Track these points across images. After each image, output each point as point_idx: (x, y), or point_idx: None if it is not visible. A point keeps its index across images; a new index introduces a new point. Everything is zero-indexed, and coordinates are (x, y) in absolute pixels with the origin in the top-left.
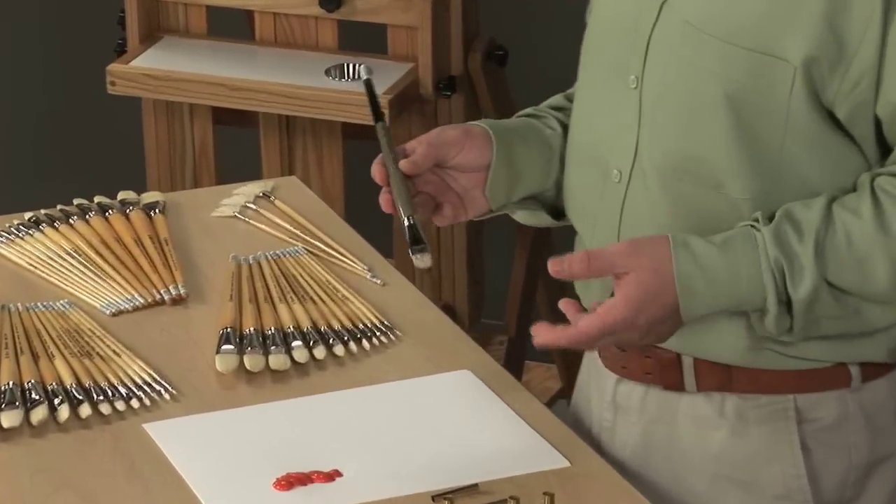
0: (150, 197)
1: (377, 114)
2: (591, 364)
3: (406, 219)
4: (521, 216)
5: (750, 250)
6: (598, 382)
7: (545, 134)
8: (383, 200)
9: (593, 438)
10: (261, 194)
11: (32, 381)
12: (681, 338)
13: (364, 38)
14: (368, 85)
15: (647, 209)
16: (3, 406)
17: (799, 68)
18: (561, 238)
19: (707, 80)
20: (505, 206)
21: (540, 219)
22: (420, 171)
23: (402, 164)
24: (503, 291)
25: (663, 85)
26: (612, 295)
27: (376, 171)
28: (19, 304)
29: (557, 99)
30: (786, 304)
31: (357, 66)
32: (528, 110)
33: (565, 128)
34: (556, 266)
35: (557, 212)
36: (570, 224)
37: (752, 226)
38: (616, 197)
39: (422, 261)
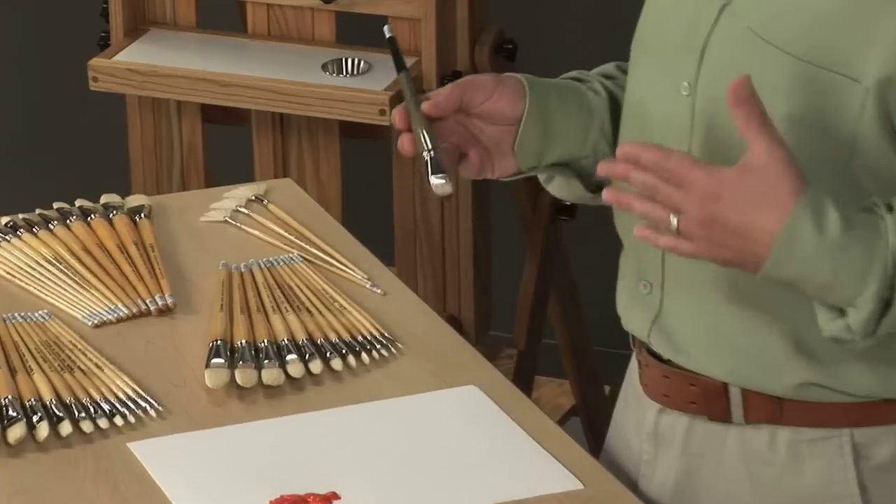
0: (134, 200)
1: (400, 63)
2: (630, 392)
3: (426, 152)
4: (555, 186)
5: (870, 233)
6: (637, 412)
7: (587, 96)
8: (404, 141)
9: (631, 472)
10: (253, 197)
11: (9, 396)
12: (726, 366)
13: (363, 31)
14: (392, 42)
15: None
16: None
17: (872, 89)
18: (575, 244)
19: (767, 96)
20: (535, 169)
21: (573, 190)
22: (444, 111)
23: (425, 104)
24: (512, 301)
25: (718, 96)
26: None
27: (397, 117)
28: None
29: (609, 67)
30: (885, 301)
31: (358, 60)
32: (574, 73)
33: (612, 96)
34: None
35: (594, 185)
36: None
37: (874, 209)
38: None
39: (442, 187)
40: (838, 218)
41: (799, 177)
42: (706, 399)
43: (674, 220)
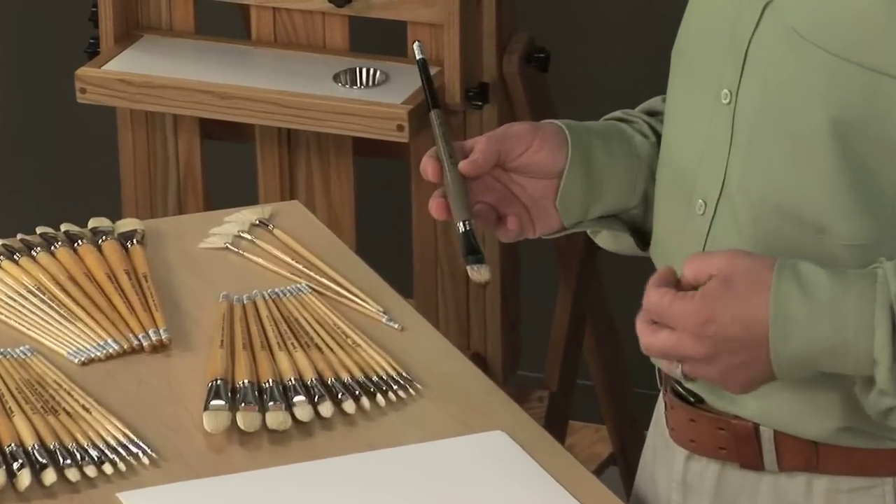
0: (126, 225)
1: (434, 100)
2: (657, 437)
3: (461, 224)
4: (603, 239)
5: (866, 283)
6: (665, 459)
7: (634, 141)
8: (435, 205)
9: None
10: (257, 222)
11: None
12: (759, 405)
13: (379, 38)
14: (423, 66)
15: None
16: None
17: None
18: (612, 275)
19: (812, 100)
20: (581, 224)
21: (623, 244)
22: (481, 171)
23: (462, 164)
24: (544, 338)
25: (761, 103)
26: None
27: (428, 167)
28: None
29: (655, 102)
30: None
31: (373, 70)
32: (617, 113)
33: (660, 137)
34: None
35: (647, 237)
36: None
37: (874, 267)
38: (698, 232)
39: (479, 273)
40: (822, 273)
41: (766, 258)
42: (736, 444)
43: (677, 370)
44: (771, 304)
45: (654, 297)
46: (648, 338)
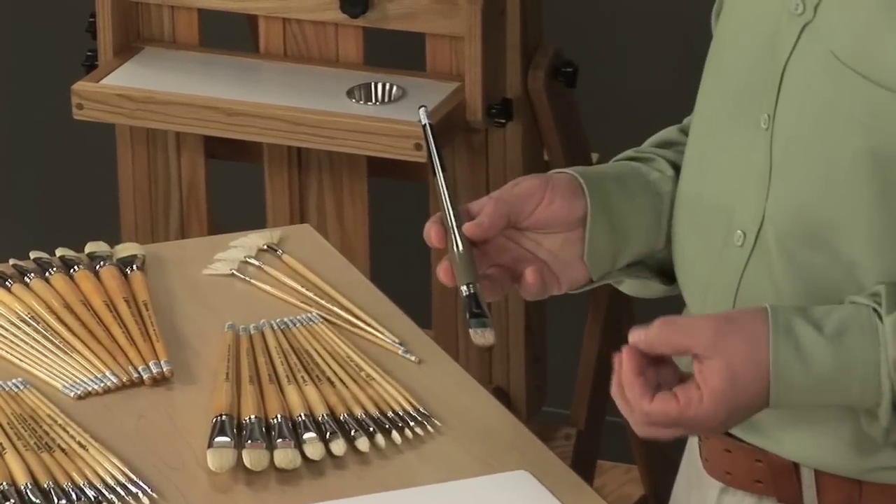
0: (125, 250)
1: (440, 164)
2: (690, 469)
3: (464, 287)
4: (629, 286)
5: (868, 346)
6: (698, 492)
7: (650, 178)
8: (441, 270)
9: None
10: (265, 247)
11: None
12: (797, 440)
13: (396, 51)
14: (428, 131)
15: (769, 284)
16: None
17: None
18: (644, 304)
19: (850, 129)
20: (609, 275)
21: (651, 289)
22: (487, 234)
23: (467, 227)
24: (571, 372)
25: (797, 130)
26: (689, 375)
27: (432, 232)
28: None
29: (669, 133)
30: None
31: (389, 85)
32: (628, 152)
33: (678, 170)
34: (635, 336)
35: (669, 274)
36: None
37: (873, 308)
38: (735, 265)
39: (482, 336)
40: (821, 342)
41: (753, 322)
42: (774, 478)
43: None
44: (770, 376)
45: (658, 411)
46: (655, 434)
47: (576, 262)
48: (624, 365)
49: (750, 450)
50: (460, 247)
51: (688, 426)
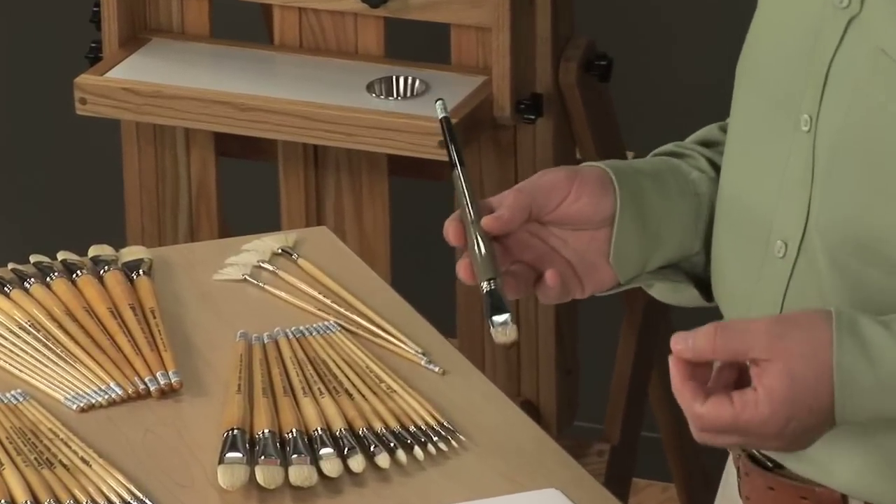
0: (131, 253)
1: (459, 158)
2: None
3: (485, 284)
4: (660, 291)
5: None
6: None
7: (691, 178)
8: (461, 268)
9: None
10: (279, 251)
11: None
12: (852, 475)
13: (419, 43)
14: (446, 124)
15: (818, 299)
16: None
17: None
18: (682, 312)
19: None
20: (637, 278)
21: (685, 296)
22: (507, 227)
23: (485, 220)
24: (604, 385)
25: (843, 132)
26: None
27: (450, 229)
28: None
29: (710, 131)
30: None
31: (412, 79)
32: (669, 146)
33: (719, 171)
34: (679, 343)
35: (704, 281)
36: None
37: None
38: (779, 277)
39: (503, 333)
40: (886, 337)
41: (816, 322)
42: None
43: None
44: (835, 380)
45: (712, 416)
46: (713, 441)
47: (602, 263)
48: (671, 373)
49: (795, 486)
50: (481, 243)
51: (746, 433)
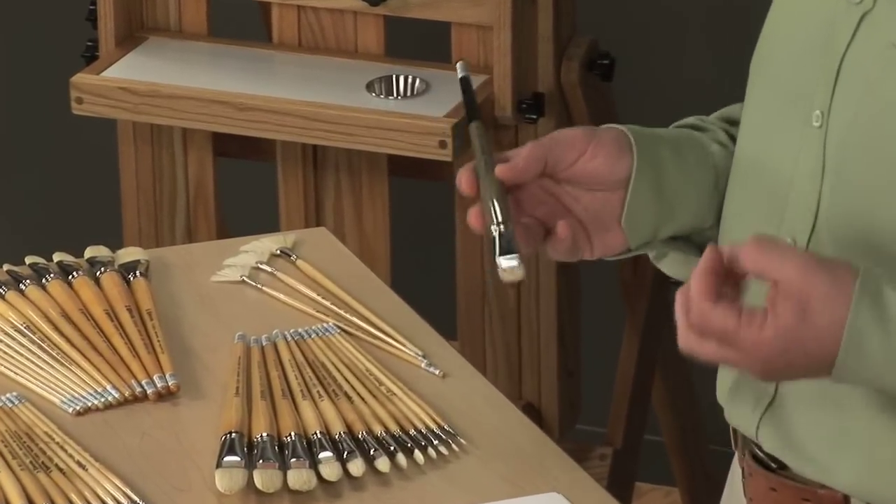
0: (128, 255)
1: (474, 110)
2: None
3: (495, 227)
4: (669, 264)
5: None
6: None
7: (710, 150)
8: (472, 214)
9: None
10: (278, 252)
11: None
12: (856, 476)
13: (419, 42)
14: (465, 82)
15: None
16: None
17: None
18: None
19: None
20: (648, 245)
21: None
22: (521, 177)
23: (499, 168)
24: (606, 387)
25: (853, 127)
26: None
27: (463, 178)
28: None
29: (734, 110)
30: None
31: (412, 78)
32: (690, 119)
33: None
34: (713, 250)
35: None
36: None
37: None
38: None
39: (511, 272)
40: None
41: (844, 274)
42: None
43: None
44: (844, 336)
45: (717, 318)
46: (697, 347)
47: (613, 225)
48: (700, 263)
49: (798, 488)
50: (494, 190)
51: (736, 347)
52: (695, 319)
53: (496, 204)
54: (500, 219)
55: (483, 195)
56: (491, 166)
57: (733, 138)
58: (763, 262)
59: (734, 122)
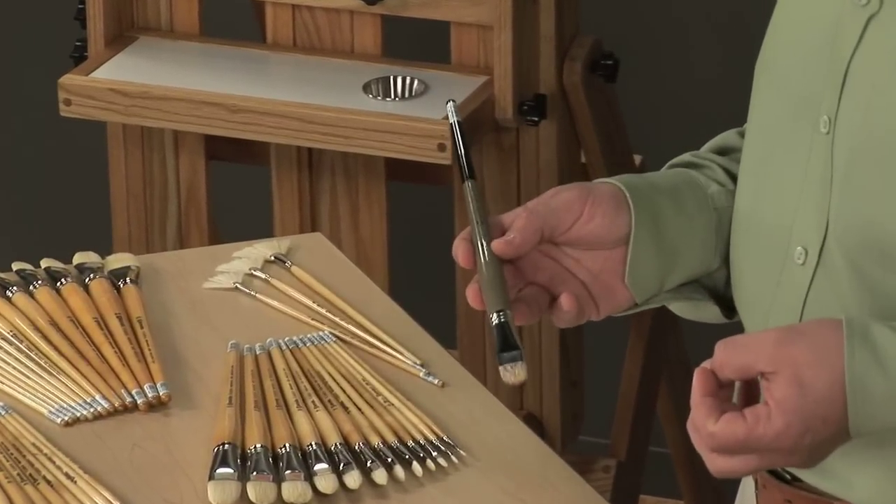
0: (118, 261)
1: (469, 168)
2: None
3: (495, 315)
4: (681, 308)
5: None
6: None
7: (709, 192)
8: (471, 293)
9: None
10: (272, 257)
11: None
12: (874, 487)
13: (418, 42)
14: (458, 129)
15: (838, 306)
16: None
17: None
18: (692, 323)
19: None
20: (655, 298)
21: (706, 312)
22: (518, 252)
23: (495, 244)
24: (610, 398)
25: (861, 133)
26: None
27: (460, 251)
28: None
29: (727, 137)
30: None
31: (410, 80)
32: (686, 157)
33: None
34: (706, 362)
35: (725, 297)
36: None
37: None
38: (798, 284)
39: (513, 373)
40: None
41: (822, 330)
42: None
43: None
44: (847, 388)
45: (725, 431)
46: (729, 467)
47: (617, 284)
48: (693, 386)
49: (813, 499)
50: (491, 268)
51: (760, 449)
52: (708, 443)
53: (494, 289)
54: (498, 307)
55: (480, 274)
56: (487, 237)
57: (730, 173)
58: (738, 361)
59: (728, 152)
